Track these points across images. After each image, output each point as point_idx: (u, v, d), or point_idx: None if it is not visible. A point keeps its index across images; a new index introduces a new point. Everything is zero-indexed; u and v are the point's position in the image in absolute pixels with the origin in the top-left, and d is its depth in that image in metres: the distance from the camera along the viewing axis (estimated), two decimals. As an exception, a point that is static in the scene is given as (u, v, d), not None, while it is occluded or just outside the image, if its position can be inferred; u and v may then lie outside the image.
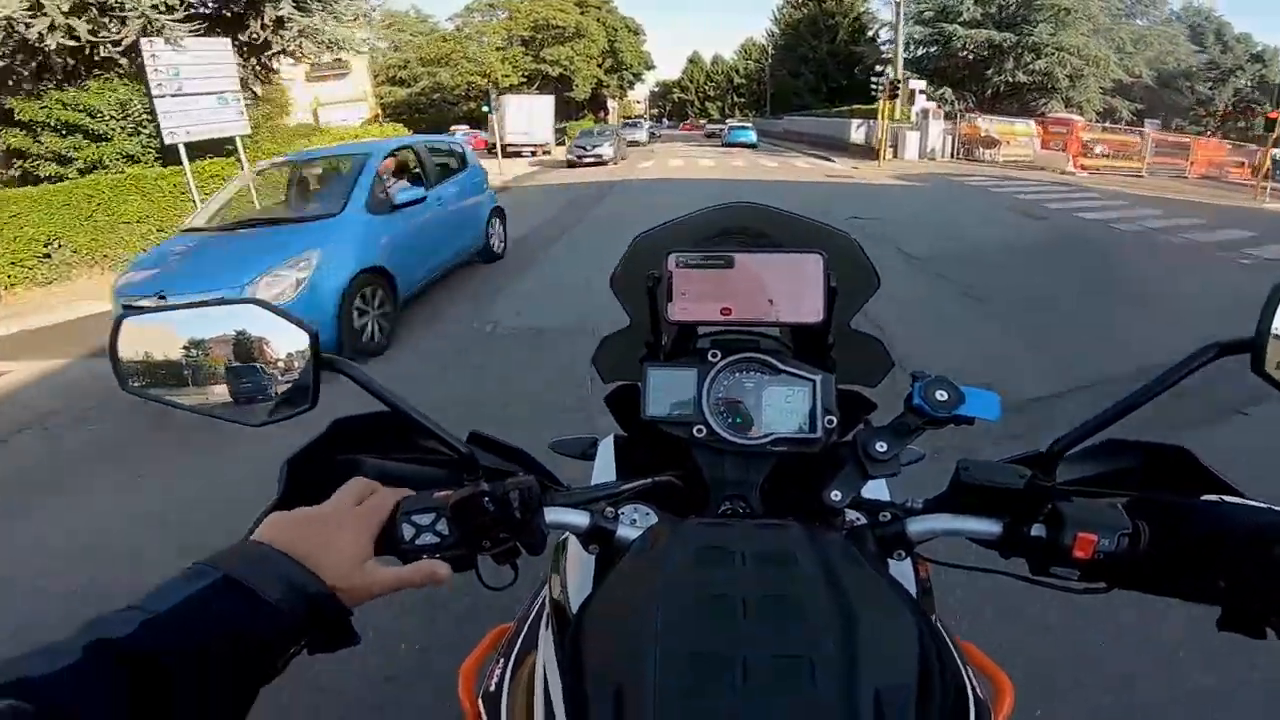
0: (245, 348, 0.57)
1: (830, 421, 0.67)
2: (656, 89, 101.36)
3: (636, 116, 61.44)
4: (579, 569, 0.70)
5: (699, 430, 0.68)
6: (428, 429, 0.59)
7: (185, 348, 0.57)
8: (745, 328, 0.74)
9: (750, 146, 31.58)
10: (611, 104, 58.81)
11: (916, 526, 0.59)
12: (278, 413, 0.58)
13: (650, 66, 51.28)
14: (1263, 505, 0.50)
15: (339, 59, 49.76)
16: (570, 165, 20.96)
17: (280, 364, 0.57)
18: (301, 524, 0.49)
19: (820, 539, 0.51)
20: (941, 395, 0.56)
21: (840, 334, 0.73)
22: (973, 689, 0.61)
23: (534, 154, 28.91)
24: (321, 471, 0.59)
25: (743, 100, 69.96)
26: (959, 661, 0.63)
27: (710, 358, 0.71)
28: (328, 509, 0.51)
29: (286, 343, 0.57)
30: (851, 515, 0.62)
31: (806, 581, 0.45)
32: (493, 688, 0.73)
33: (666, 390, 0.71)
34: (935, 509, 0.60)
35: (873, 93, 18.82)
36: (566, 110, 47.45)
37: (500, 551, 0.56)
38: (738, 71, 72.08)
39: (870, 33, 41.48)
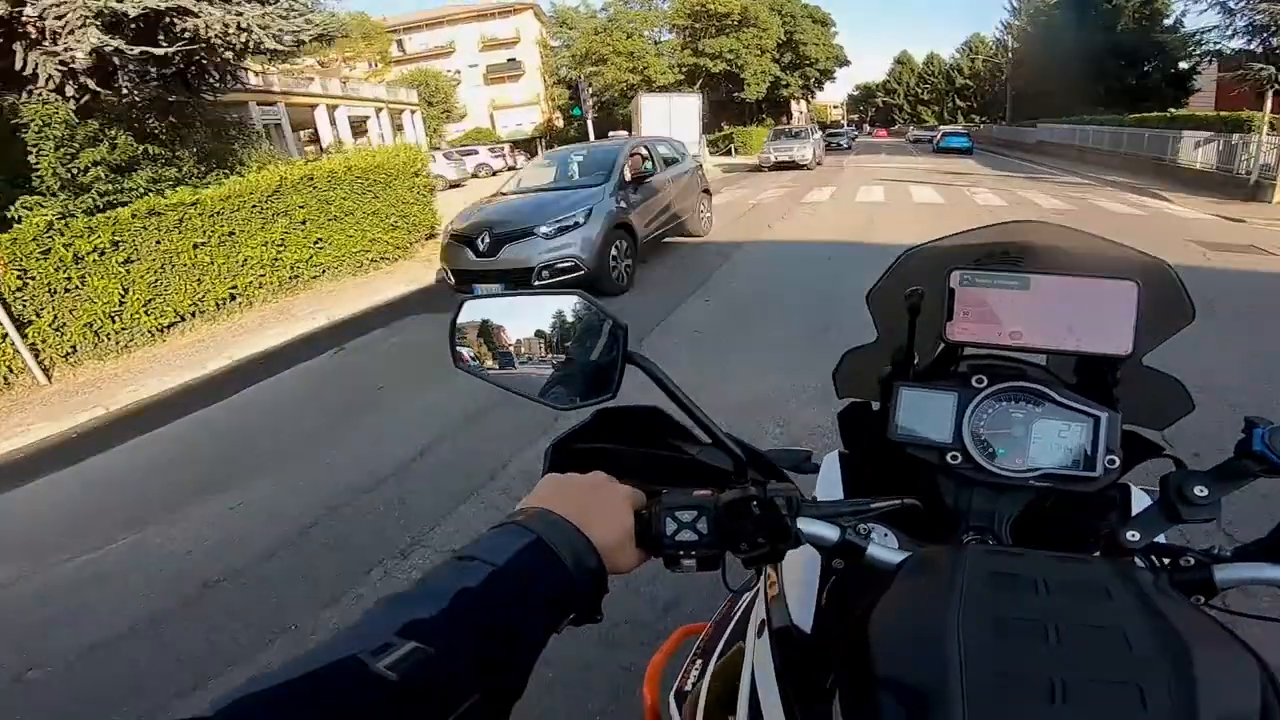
0: (562, 334, 0.61)
1: (1112, 461, 0.63)
2: (856, 92, 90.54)
3: (833, 122, 52.77)
4: (800, 581, 0.69)
5: (954, 457, 0.66)
6: (702, 425, 0.60)
7: (512, 330, 0.62)
8: (1021, 355, 0.71)
9: (965, 152, 28.12)
10: (797, 107, 50.87)
11: (1226, 574, 0.54)
12: (584, 399, 0.60)
13: (844, 62, 42.10)
14: None
15: (513, 59, 47.05)
16: (454, 289, 6.64)
17: (591, 352, 0.60)
18: (576, 493, 0.53)
19: (1132, 573, 0.48)
20: None
21: (1131, 369, 0.69)
22: None
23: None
24: (583, 456, 0.64)
25: (967, 104, 57.90)
26: None
27: (975, 383, 0.68)
28: (599, 481, 0.55)
29: (599, 333, 0.60)
30: (1142, 558, 0.58)
31: (1124, 612, 0.43)
32: (688, 687, 0.74)
33: (919, 412, 0.68)
34: (1251, 557, 0.56)
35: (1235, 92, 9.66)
36: (739, 113, 40.77)
37: (754, 556, 0.56)
38: (960, 71, 60.22)
39: (1170, 18, 29.33)
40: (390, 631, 0.36)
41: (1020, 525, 0.65)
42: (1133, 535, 0.55)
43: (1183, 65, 28.65)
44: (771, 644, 0.63)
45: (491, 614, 0.41)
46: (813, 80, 41.41)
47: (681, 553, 0.54)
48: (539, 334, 0.62)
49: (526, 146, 47.79)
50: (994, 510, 0.65)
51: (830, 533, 0.57)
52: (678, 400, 0.59)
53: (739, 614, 0.77)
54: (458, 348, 0.65)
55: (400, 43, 47.73)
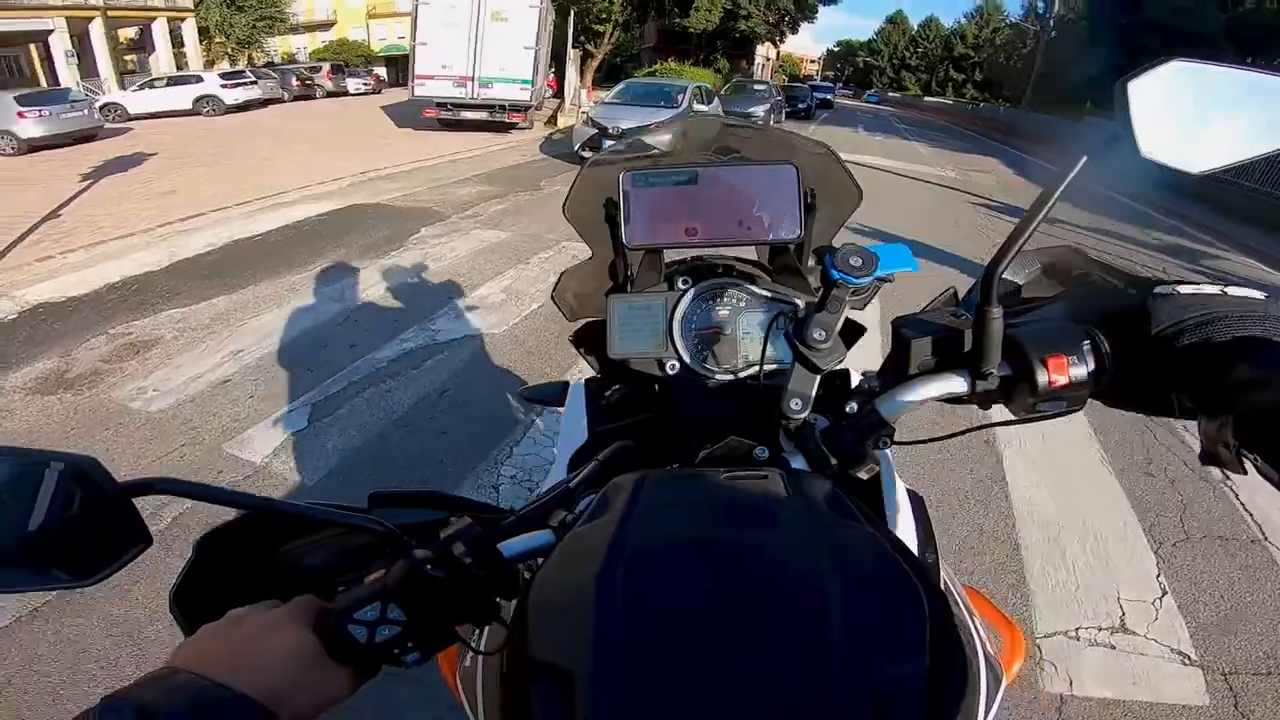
0: (23, 504, 0.42)
1: (783, 332, 0.61)
2: (836, 47, 79.87)
3: (804, 76, 42.75)
4: None
5: (672, 366, 0.65)
6: (312, 517, 0.48)
7: None
8: (716, 251, 0.71)
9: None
10: (762, 51, 40.25)
11: (887, 407, 0.54)
12: (113, 562, 0.44)
13: None
14: (1215, 291, 0.46)
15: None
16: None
17: (77, 506, 0.43)
18: (219, 637, 0.42)
19: (806, 488, 0.46)
20: (856, 261, 0.51)
21: (824, 253, 0.72)
22: (982, 645, 0.59)
23: (504, 117, 12.93)
24: (216, 597, 0.50)
25: (963, 77, 48.62)
26: (966, 616, 0.60)
27: (681, 285, 0.68)
28: (241, 617, 0.44)
29: (68, 481, 0.42)
30: (814, 418, 0.57)
31: (791, 543, 0.40)
32: (467, 663, 0.69)
33: (634, 324, 0.67)
34: (894, 382, 0.55)
35: None
36: (688, 50, 30.08)
37: (478, 613, 0.47)
38: (962, 39, 50.77)
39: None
40: None
41: (761, 426, 0.61)
42: (795, 404, 0.55)
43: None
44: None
45: None
46: (784, 17, 30.78)
47: (397, 651, 0.43)
48: None
49: (399, 64, 36.36)
50: (725, 417, 0.62)
51: (544, 539, 0.51)
52: (242, 505, 0.46)
53: None
54: None
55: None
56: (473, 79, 12.53)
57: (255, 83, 18.78)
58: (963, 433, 0.57)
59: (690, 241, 0.64)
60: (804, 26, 34.86)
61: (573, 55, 16.87)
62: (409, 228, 6.18)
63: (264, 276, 4.85)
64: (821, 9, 32.26)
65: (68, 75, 19.44)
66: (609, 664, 0.33)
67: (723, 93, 16.71)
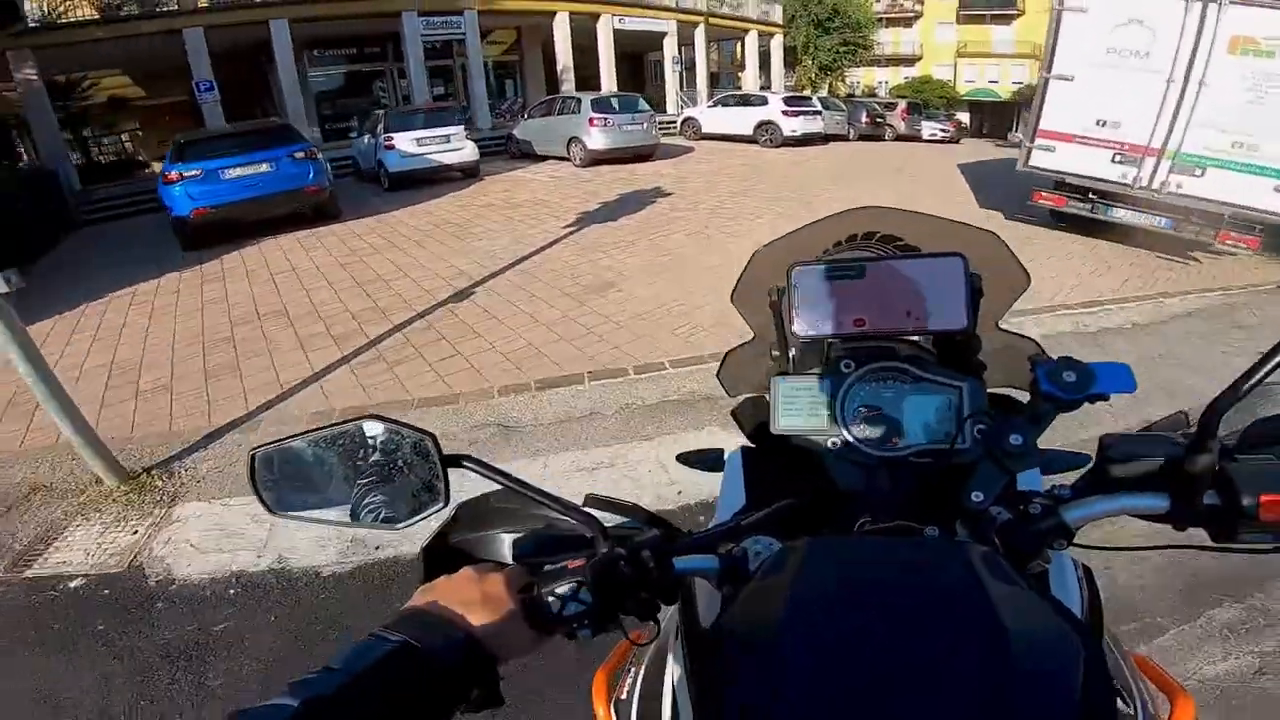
0: (372, 459, 0.61)
1: (980, 430, 0.64)
2: None
3: None
4: (708, 587, 0.73)
5: (833, 443, 0.68)
6: (551, 504, 0.60)
7: (318, 468, 0.62)
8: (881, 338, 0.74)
9: None
10: None
11: (1073, 513, 0.56)
12: (415, 515, 0.61)
13: None
14: None
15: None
16: None
17: (409, 468, 0.61)
18: (449, 590, 0.54)
19: (964, 551, 0.50)
20: (1070, 376, 0.54)
21: (989, 335, 0.73)
22: (1143, 707, 0.60)
23: (1213, 238, 6.30)
24: (455, 552, 0.67)
25: None
26: (1129, 679, 0.63)
27: (844, 368, 0.70)
28: (470, 574, 0.55)
29: (408, 447, 0.60)
30: (996, 511, 0.59)
31: (951, 599, 0.44)
32: (624, 695, 0.75)
33: (798, 402, 0.71)
34: (1088, 492, 0.58)
35: None
36: None
37: (641, 608, 0.57)
38: None
39: None
40: None
41: (920, 505, 0.64)
42: (977, 496, 0.57)
43: None
44: (683, 646, 0.65)
45: (344, 716, 0.42)
46: None
47: (575, 624, 0.54)
48: (347, 464, 0.61)
49: (985, 111, 31.18)
50: (885, 493, 0.66)
51: (709, 563, 0.59)
52: (518, 488, 0.59)
53: (667, 621, 0.77)
54: (267, 498, 0.63)
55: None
56: (1160, 154, 6.46)
57: (819, 113, 16.51)
58: (1150, 548, 0.59)
59: (858, 331, 0.68)
60: None
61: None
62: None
63: None
64: None
65: (671, 82, 21.02)
66: (792, 695, 0.38)
67: None
